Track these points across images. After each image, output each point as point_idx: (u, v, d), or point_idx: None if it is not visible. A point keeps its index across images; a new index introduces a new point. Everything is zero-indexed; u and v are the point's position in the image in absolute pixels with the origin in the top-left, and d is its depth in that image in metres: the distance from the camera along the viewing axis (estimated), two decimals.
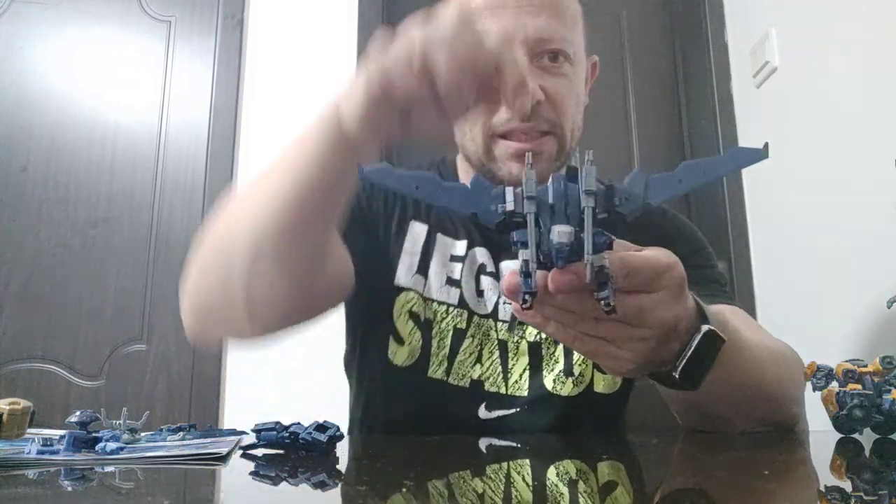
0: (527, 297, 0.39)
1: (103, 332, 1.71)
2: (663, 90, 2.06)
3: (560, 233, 0.38)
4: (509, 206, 0.40)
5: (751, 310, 1.69)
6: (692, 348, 0.49)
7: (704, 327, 0.50)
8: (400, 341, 0.78)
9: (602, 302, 0.40)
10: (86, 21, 1.88)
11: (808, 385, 0.69)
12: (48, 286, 1.72)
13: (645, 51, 2.07)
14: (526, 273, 0.39)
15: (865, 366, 0.66)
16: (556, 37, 0.74)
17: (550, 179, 0.40)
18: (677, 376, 0.50)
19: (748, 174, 1.78)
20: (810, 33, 1.46)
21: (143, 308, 1.74)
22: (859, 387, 0.64)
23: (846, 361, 0.67)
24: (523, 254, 0.39)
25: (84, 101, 1.84)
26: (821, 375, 0.66)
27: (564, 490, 0.38)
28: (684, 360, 0.49)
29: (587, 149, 0.43)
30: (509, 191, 0.40)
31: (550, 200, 0.39)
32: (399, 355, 0.78)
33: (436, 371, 0.78)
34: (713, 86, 1.89)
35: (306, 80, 1.87)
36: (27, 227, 1.74)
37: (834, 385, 0.66)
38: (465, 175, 0.87)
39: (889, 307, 0.90)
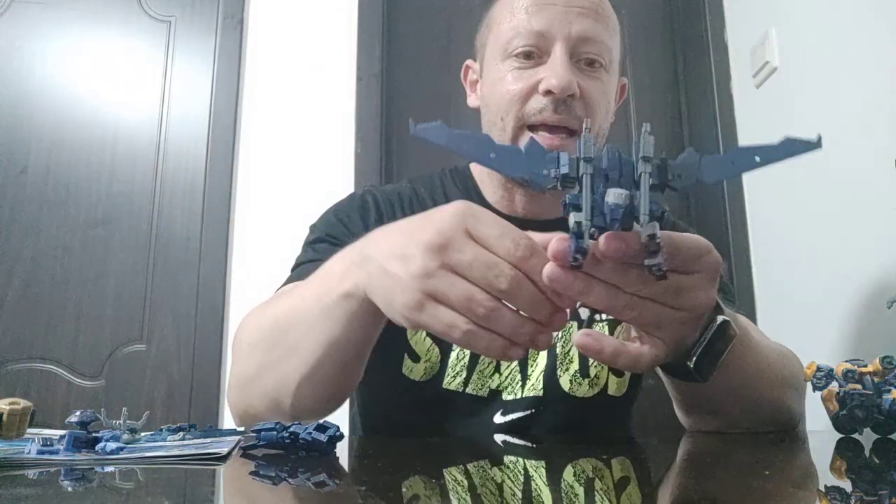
0: (577, 256, 0.39)
1: (103, 332, 1.71)
2: (663, 90, 2.06)
3: (616, 195, 0.38)
4: (563, 170, 0.40)
5: (751, 310, 1.69)
6: (707, 338, 0.50)
7: (720, 318, 0.51)
8: (415, 359, 0.77)
9: (654, 268, 0.39)
10: (86, 21, 1.88)
11: (808, 385, 0.69)
12: (48, 286, 1.72)
13: (645, 51, 2.07)
14: (578, 234, 0.38)
15: (865, 366, 0.66)
16: (598, 39, 0.76)
17: (605, 149, 0.40)
18: (692, 366, 0.50)
19: (748, 174, 1.77)
20: (810, 33, 1.45)
21: (143, 308, 1.74)
22: (859, 387, 0.64)
23: (846, 361, 0.67)
24: (575, 216, 0.38)
25: (84, 101, 1.84)
26: (821, 375, 0.66)
27: (569, 488, 0.38)
28: (700, 349, 0.50)
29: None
30: (564, 155, 0.40)
31: (604, 166, 0.39)
32: (415, 371, 0.77)
33: (451, 383, 0.77)
34: (713, 86, 1.89)
35: (306, 80, 1.87)
36: (27, 227, 1.74)
37: (834, 385, 0.66)
38: (483, 180, 0.86)
39: (889, 307, 0.90)
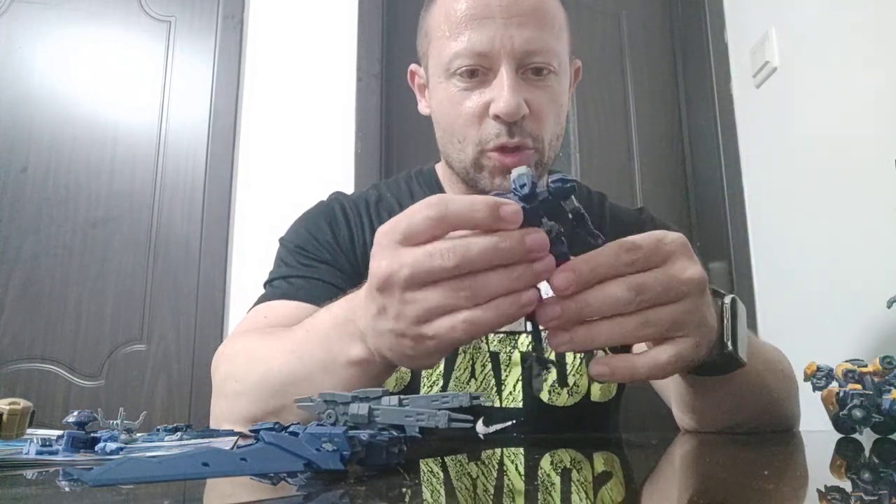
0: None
1: (103, 332, 1.71)
2: (663, 90, 2.06)
3: (517, 171, 0.42)
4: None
5: (751, 310, 1.69)
6: (728, 317, 0.51)
7: (728, 297, 0.52)
8: None
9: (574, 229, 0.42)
10: (86, 21, 1.88)
11: (808, 385, 0.69)
12: (48, 286, 1.72)
13: (645, 51, 2.07)
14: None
15: (865, 366, 0.66)
16: (543, 49, 0.73)
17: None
18: (730, 347, 0.51)
19: (748, 174, 1.78)
20: (810, 33, 1.45)
21: (143, 308, 1.74)
22: (859, 387, 0.64)
23: (846, 361, 0.67)
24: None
25: (84, 101, 1.84)
26: (821, 375, 0.66)
27: (557, 483, 0.38)
28: (731, 331, 0.51)
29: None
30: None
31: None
32: (387, 382, 0.77)
33: (428, 392, 0.77)
34: (713, 86, 1.89)
35: (306, 81, 1.87)
36: (27, 227, 1.74)
37: (834, 385, 0.66)
38: (448, 182, 0.87)
39: (889, 307, 0.90)
